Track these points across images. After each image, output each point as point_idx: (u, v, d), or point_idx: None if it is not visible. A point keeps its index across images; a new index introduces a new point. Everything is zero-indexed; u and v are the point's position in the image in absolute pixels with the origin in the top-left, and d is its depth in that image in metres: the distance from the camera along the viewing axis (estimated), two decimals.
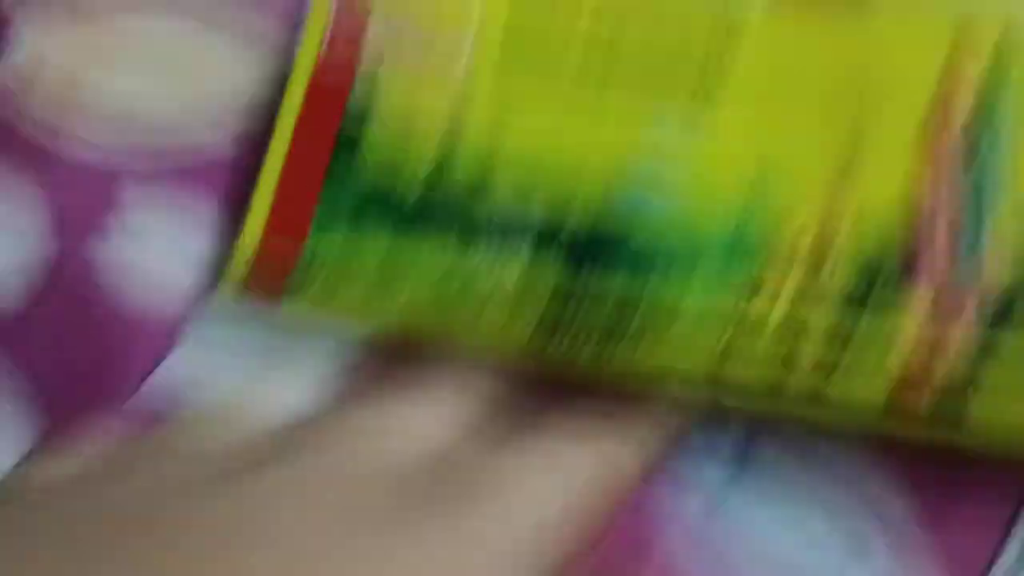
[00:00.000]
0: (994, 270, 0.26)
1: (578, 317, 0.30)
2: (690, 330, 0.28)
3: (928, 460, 0.29)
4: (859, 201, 0.28)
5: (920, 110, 0.28)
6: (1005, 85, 0.28)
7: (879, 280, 0.27)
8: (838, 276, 0.27)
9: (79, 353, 0.31)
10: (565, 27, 0.33)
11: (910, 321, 0.26)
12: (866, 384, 0.26)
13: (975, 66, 0.28)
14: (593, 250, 0.30)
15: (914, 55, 0.29)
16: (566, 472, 0.23)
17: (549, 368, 0.29)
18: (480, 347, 0.31)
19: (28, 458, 0.26)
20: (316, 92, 0.36)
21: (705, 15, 0.32)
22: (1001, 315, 0.26)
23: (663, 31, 0.32)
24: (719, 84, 0.31)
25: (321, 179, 0.34)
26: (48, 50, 0.36)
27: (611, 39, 0.33)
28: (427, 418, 0.25)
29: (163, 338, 0.32)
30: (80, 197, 0.33)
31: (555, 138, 0.32)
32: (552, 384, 0.30)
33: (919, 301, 0.26)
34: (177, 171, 0.35)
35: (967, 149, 0.28)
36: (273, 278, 0.33)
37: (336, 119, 0.35)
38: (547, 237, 0.31)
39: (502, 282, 0.31)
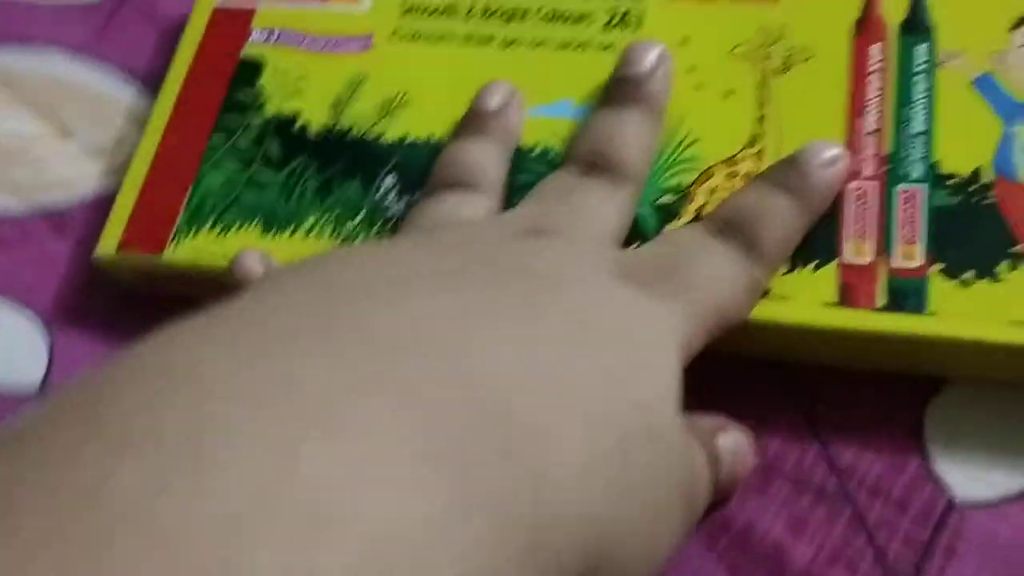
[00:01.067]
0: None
1: None
2: None
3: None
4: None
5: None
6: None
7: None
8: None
9: None
10: None
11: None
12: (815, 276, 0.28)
13: None
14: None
15: None
16: None
17: None
18: None
19: None
20: (211, 37, 0.36)
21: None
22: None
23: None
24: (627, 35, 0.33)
25: (209, 130, 0.34)
26: None
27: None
28: None
29: None
30: None
31: (455, 79, 0.33)
32: None
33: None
34: None
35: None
36: (155, 228, 0.32)
37: (229, 70, 0.35)
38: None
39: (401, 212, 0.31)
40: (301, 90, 0.34)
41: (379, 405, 0.17)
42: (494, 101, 0.31)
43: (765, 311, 0.28)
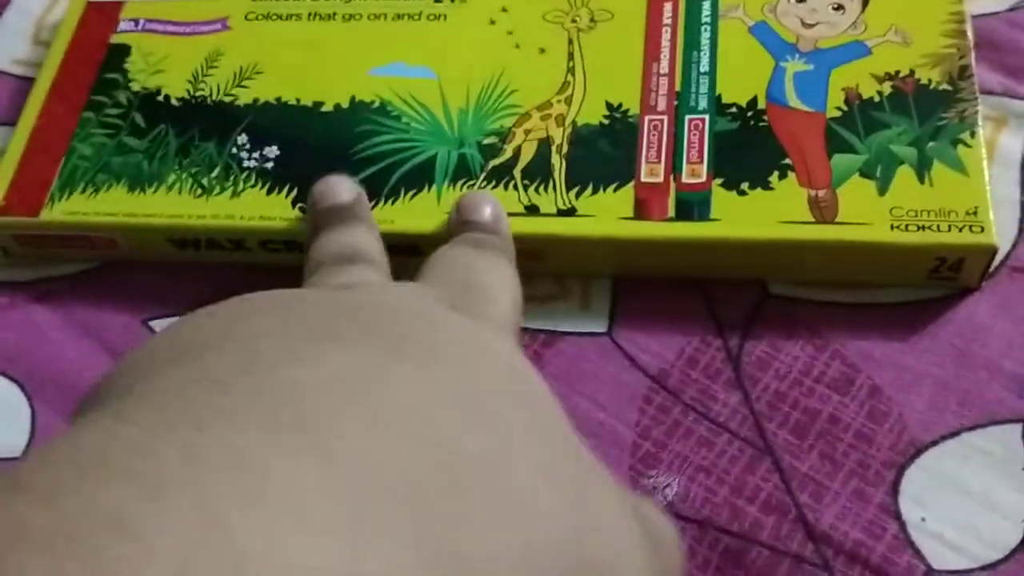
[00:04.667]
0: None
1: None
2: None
3: None
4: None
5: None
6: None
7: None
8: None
9: None
10: None
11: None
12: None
13: None
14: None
15: None
16: None
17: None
18: (241, 230, 0.34)
19: None
20: (84, 28, 0.39)
21: None
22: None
23: None
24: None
25: (81, 107, 0.37)
26: None
27: None
28: None
29: None
30: None
31: (302, 49, 0.37)
32: None
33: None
34: None
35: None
36: (32, 194, 0.35)
37: (99, 55, 0.38)
38: (295, 135, 0.36)
39: (260, 167, 0.35)
40: (164, 68, 0.37)
41: (312, 464, 0.16)
42: (347, 195, 0.32)
43: (571, 227, 0.32)
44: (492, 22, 0.36)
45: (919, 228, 0.30)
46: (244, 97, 0.36)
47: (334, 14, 0.38)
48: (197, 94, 0.37)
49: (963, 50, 0.33)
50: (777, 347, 0.32)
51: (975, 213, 0.30)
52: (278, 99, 0.36)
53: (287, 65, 0.37)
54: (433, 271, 0.27)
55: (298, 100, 0.36)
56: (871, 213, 0.31)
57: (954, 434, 0.30)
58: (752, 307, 0.33)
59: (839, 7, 0.35)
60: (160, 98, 0.37)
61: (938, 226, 0.30)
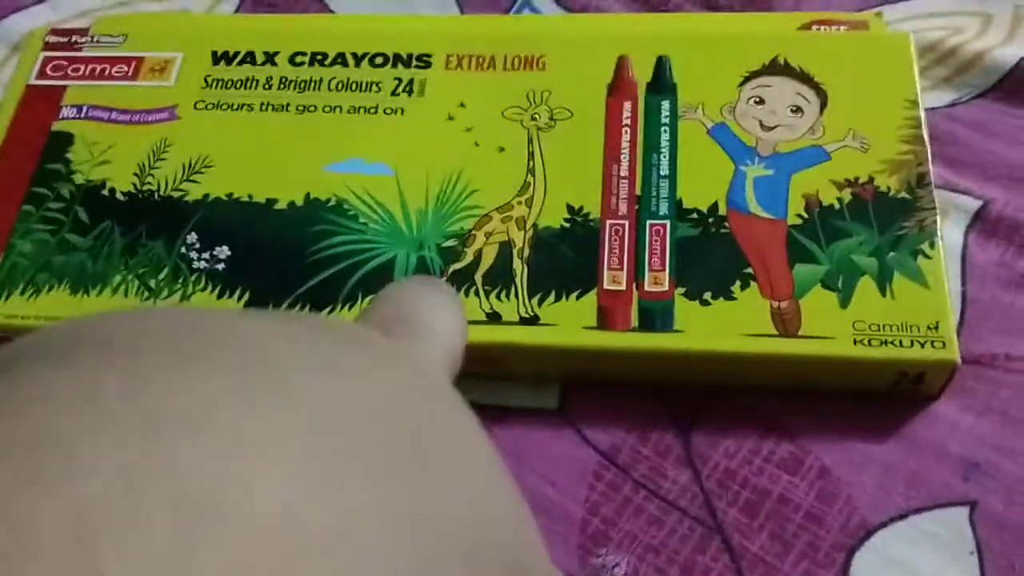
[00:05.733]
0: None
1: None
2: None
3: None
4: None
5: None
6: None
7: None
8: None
9: None
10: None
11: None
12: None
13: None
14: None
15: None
16: None
17: None
18: None
19: None
20: (23, 113, 0.38)
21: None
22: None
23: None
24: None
25: (21, 200, 0.35)
26: None
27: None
28: None
29: None
30: None
31: (254, 142, 0.36)
32: None
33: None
34: None
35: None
36: None
37: (40, 143, 0.37)
38: (248, 234, 0.34)
39: (210, 268, 0.34)
40: (109, 159, 0.36)
41: (272, 405, 0.15)
42: None
43: (534, 336, 0.31)
44: (451, 117, 0.36)
45: (882, 343, 0.30)
46: (194, 192, 0.35)
47: (288, 105, 0.37)
48: (144, 188, 0.35)
49: (920, 157, 0.33)
50: (727, 425, 0.32)
51: (936, 328, 0.30)
52: (229, 195, 0.35)
53: (239, 159, 0.36)
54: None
55: (250, 196, 0.35)
56: (834, 327, 0.31)
57: (902, 516, 0.31)
58: (703, 387, 0.33)
59: (797, 109, 0.35)
60: (105, 192, 0.35)
61: (900, 341, 0.30)
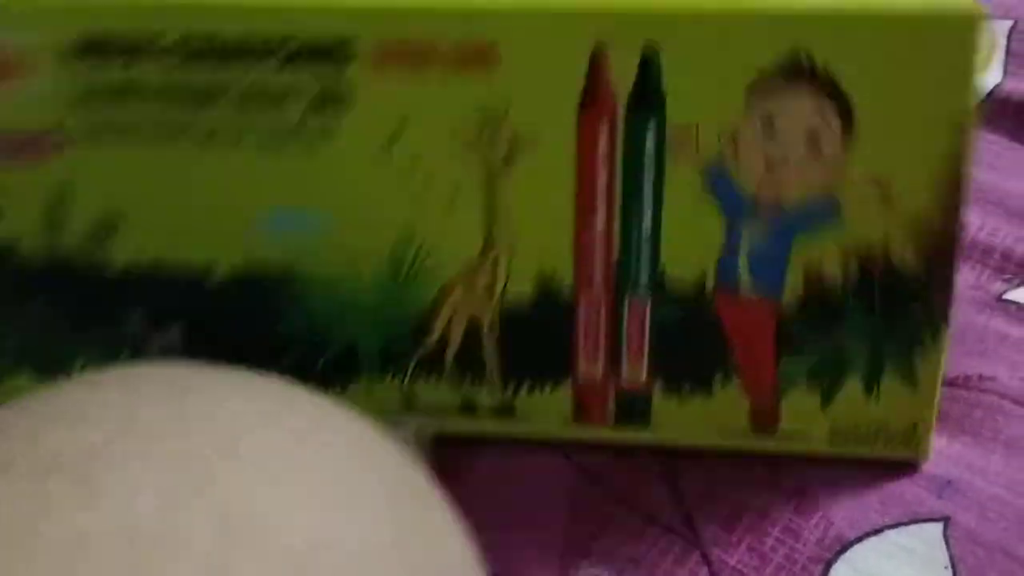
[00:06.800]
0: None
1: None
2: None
3: None
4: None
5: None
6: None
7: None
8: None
9: None
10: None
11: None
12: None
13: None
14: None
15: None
16: None
17: None
18: None
19: None
20: None
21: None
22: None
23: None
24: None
25: None
26: None
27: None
28: None
29: None
30: None
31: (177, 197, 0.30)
32: None
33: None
34: None
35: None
36: None
37: None
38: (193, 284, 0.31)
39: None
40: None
41: (299, 429, 0.16)
42: None
43: (510, 427, 0.31)
44: (389, 144, 0.29)
45: (857, 443, 0.30)
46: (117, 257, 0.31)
47: (189, 126, 0.29)
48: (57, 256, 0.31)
49: (951, 216, 0.28)
50: None
51: (914, 429, 0.30)
52: (158, 260, 0.31)
53: (154, 210, 0.30)
54: None
55: (187, 261, 0.31)
56: (812, 425, 0.30)
57: (877, 531, 0.34)
58: None
59: (813, 138, 0.28)
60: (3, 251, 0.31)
61: (875, 442, 0.30)
